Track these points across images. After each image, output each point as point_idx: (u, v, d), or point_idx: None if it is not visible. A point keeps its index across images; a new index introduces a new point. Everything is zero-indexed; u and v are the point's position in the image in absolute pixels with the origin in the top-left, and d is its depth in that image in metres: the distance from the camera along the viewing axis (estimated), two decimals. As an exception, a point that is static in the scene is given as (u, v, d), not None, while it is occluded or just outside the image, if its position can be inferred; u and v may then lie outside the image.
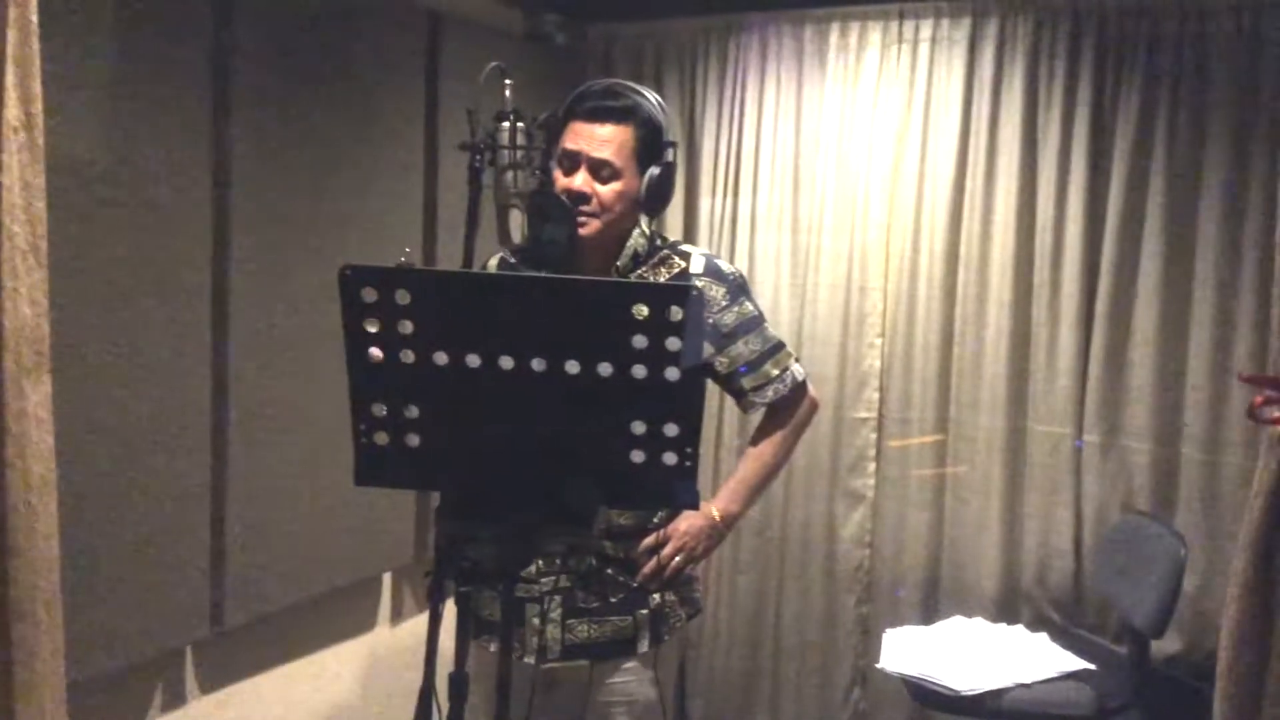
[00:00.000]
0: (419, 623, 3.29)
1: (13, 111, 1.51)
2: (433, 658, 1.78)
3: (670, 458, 1.59)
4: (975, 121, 3.27)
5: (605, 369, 1.55)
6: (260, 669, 2.74)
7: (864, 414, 3.46)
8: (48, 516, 1.63)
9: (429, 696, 1.78)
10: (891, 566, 3.47)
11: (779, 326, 3.49)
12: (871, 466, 3.47)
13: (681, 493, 1.64)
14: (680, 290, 1.52)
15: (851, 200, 3.42)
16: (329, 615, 2.93)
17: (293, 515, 2.65)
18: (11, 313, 1.53)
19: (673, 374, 1.53)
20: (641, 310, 1.50)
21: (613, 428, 1.60)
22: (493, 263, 2.23)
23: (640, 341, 1.52)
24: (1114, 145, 3.12)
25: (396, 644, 3.21)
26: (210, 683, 2.60)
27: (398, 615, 3.23)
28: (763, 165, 3.53)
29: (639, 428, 1.59)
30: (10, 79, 1.51)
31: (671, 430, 1.59)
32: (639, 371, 1.54)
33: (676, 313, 1.50)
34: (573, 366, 1.56)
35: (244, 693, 2.69)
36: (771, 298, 3.51)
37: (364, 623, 3.12)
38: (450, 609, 1.74)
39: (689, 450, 1.59)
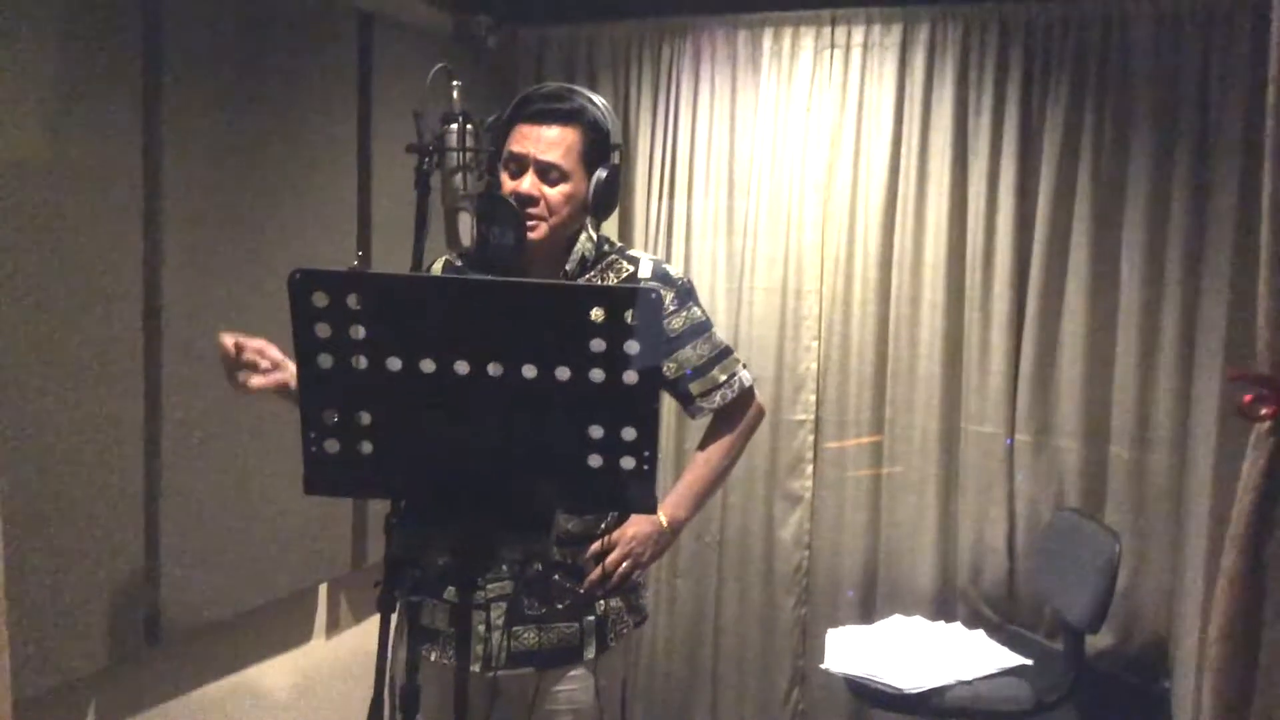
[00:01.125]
0: (355, 634, 3.23)
1: None
2: (384, 669, 1.74)
3: (628, 462, 1.58)
4: (907, 125, 3.32)
5: (563, 373, 1.53)
6: (198, 684, 2.67)
7: (801, 416, 3.48)
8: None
9: (380, 709, 1.74)
10: (830, 567, 3.49)
11: (716, 330, 3.50)
12: (809, 468, 3.50)
13: (639, 497, 1.63)
14: (638, 293, 1.51)
15: (787, 204, 3.45)
16: (266, 628, 2.87)
17: (229, 527, 2.58)
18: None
19: (630, 377, 1.52)
20: (599, 314, 1.49)
21: (570, 433, 1.58)
22: (437, 265, 2.20)
23: (598, 345, 1.51)
24: (1042, 151, 3.19)
25: (333, 656, 3.15)
26: (147, 698, 2.53)
27: (334, 626, 3.17)
28: (698, 169, 3.55)
29: (597, 432, 1.57)
30: None
31: (629, 434, 1.57)
32: (596, 375, 1.53)
33: (634, 316, 1.49)
34: (530, 371, 1.54)
35: (181, 709, 2.62)
36: (709, 302, 3.52)
37: (301, 634, 3.06)
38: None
39: (647, 454, 1.57)
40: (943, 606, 3.36)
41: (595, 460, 1.59)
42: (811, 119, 3.42)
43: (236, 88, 2.55)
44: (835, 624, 3.29)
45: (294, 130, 2.73)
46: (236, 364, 1.86)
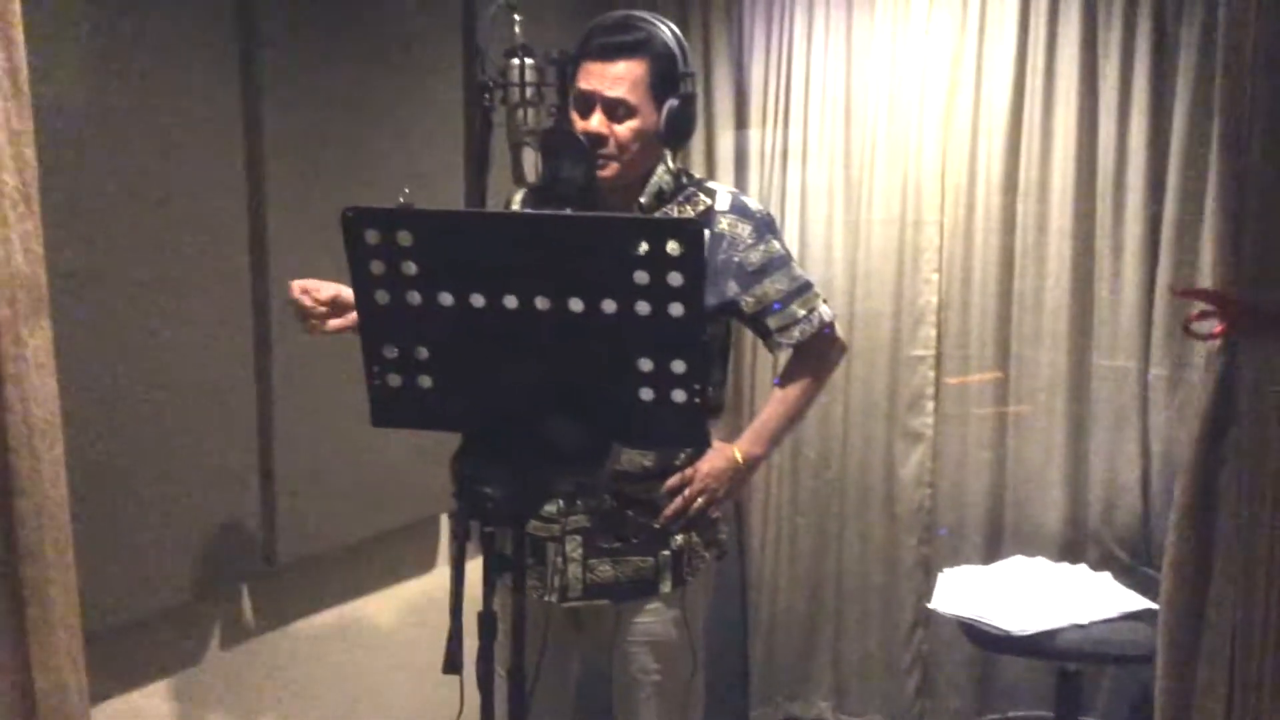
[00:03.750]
0: (477, 564, 3.33)
1: None
2: (459, 597, 1.80)
3: (679, 395, 1.58)
4: (1032, 44, 3.14)
5: (609, 306, 1.53)
6: (315, 610, 2.80)
7: (921, 351, 3.38)
8: (53, 459, 1.68)
9: (459, 634, 1.79)
10: (953, 506, 3.40)
11: (832, 264, 3.44)
12: (930, 405, 3.40)
13: (691, 431, 1.63)
14: (679, 224, 1.50)
15: (905, 132, 3.32)
16: (385, 557, 2.98)
17: (343, 456, 2.67)
18: (4, 261, 1.57)
19: (677, 310, 1.51)
20: (642, 245, 1.48)
21: (620, 366, 1.59)
22: (517, 198, 2.22)
23: (642, 277, 1.50)
24: (1178, 65, 2.97)
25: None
26: (265, 622, 2.67)
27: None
28: (813, 98, 3.44)
29: (646, 365, 1.57)
30: None
31: (679, 367, 1.57)
32: (643, 308, 1.52)
33: (675, 247, 1.47)
34: (576, 304, 1.54)
35: (299, 633, 2.76)
36: (824, 234, 3.44)
37: (424, 564, 3.16)
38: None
39: (697, 387, 1.56)
40: (1072, 548, 3.23)
41: (647, 393, 1.59)
42: (930, 41, 3.27)
43: (335, 41, 2.60)
44: (958, 565, 3.21)
45: (398, 71, 2.77)
46: (307, 309, 1.93)
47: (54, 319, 1.75)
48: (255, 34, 2.43)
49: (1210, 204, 1.68)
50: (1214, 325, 1.65)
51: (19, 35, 1.62)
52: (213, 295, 2.37)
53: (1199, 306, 1.67)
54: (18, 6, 1.62)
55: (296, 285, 1.94)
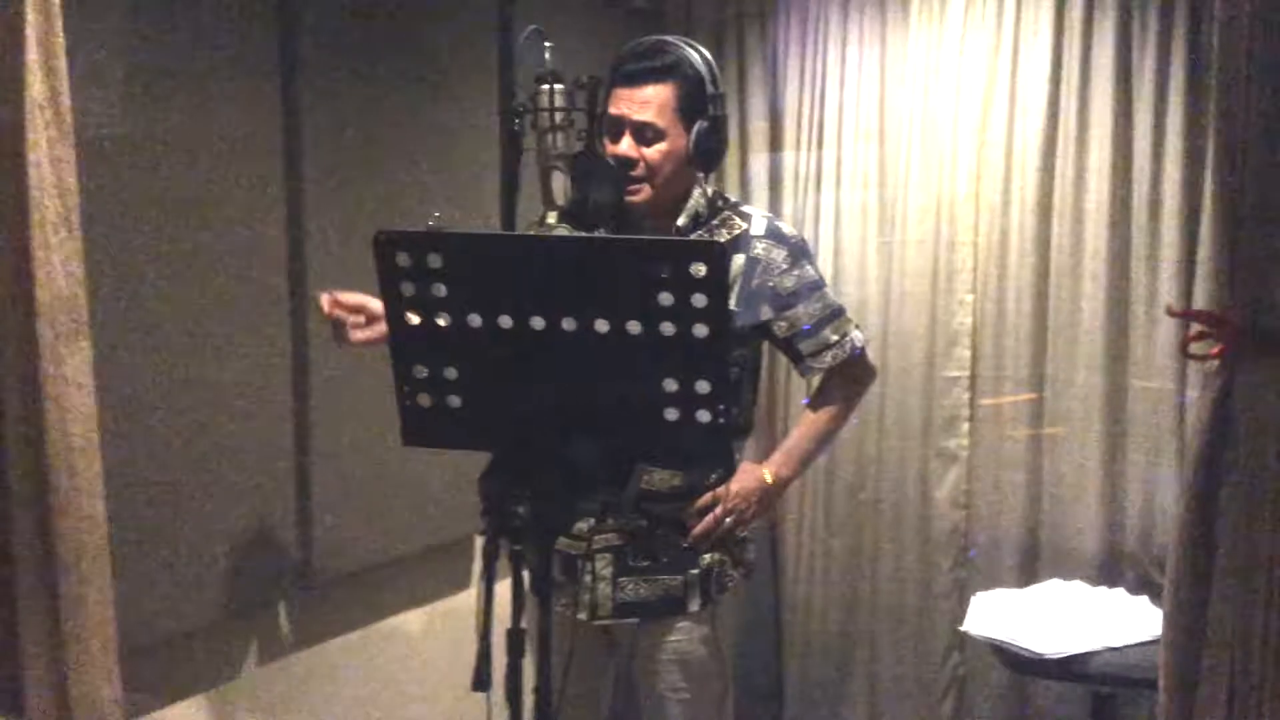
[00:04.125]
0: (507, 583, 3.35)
1: (38, 89, 1.60)
2: (488, 615, 1.81)
3: (704, 415, 1.59)
4: (1066, 66, 3.14)
5: (634, 327, 1.55)
6: (349, 628, 2.83)
7: (955, 372, 3.38)
8: (91, 475, 1.73)
9: (487, 652, 1.81)
10: (988, 528, 3.38)
11: (866, 285, 3.44)
12: (965, 426, 3.39)
13: (715, 450, 1.65)
14: (703, 246, 1.51)
15: (938, 152, 3.33)
16: (418, 576, 3.01)
17: (378, 477, 2.71)
18: (45, 283, 1.63)
19: (701, 330, 1.53)
20: (665, 267, 1.50)
21: (645, 386, 1.60)
22: (550, 220, 2.24)
23: (666, 299, 1.52)
24: (1213, 84, 2.95)
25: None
26: (301, 639, 2.71)
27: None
28: (847, 120, 3.46)
29: (671, 385, 1.59)
30: (33, 57, 1.59)
31: (703, 387, 1.58)
32: (667, 329, 1.54)
33: (700, 269, 1.49)
34: (602, 325, 1.57)
35: (333, 651, 2.79)
36: (858, 255, 3.45)
37: (456, 583, 3.19)
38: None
39: (722, 407, 1.58)
40: (1109, 571, 3.20)
41: (671, 413, 1.61)
42: (964, 63, 3.28)
43: (375, 58, 2.66)
44: (993, 587, 3.19)
45: (434, 97, 2.83)
46: (335, 316, 1.96)
47: (94, 339, 1.80)
48: (295, 61, 2.48)
49: (1206, 224, 1.68)
50: (1212, 346, 1.65)
51: (62, 65, 1.67)
52: (251, 316, 2.42)
53: (1197, 327, 1.68)
54: (61, 37, 1.68)
55: (326, 298, 1.98)
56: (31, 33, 1.62)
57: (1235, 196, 1.60)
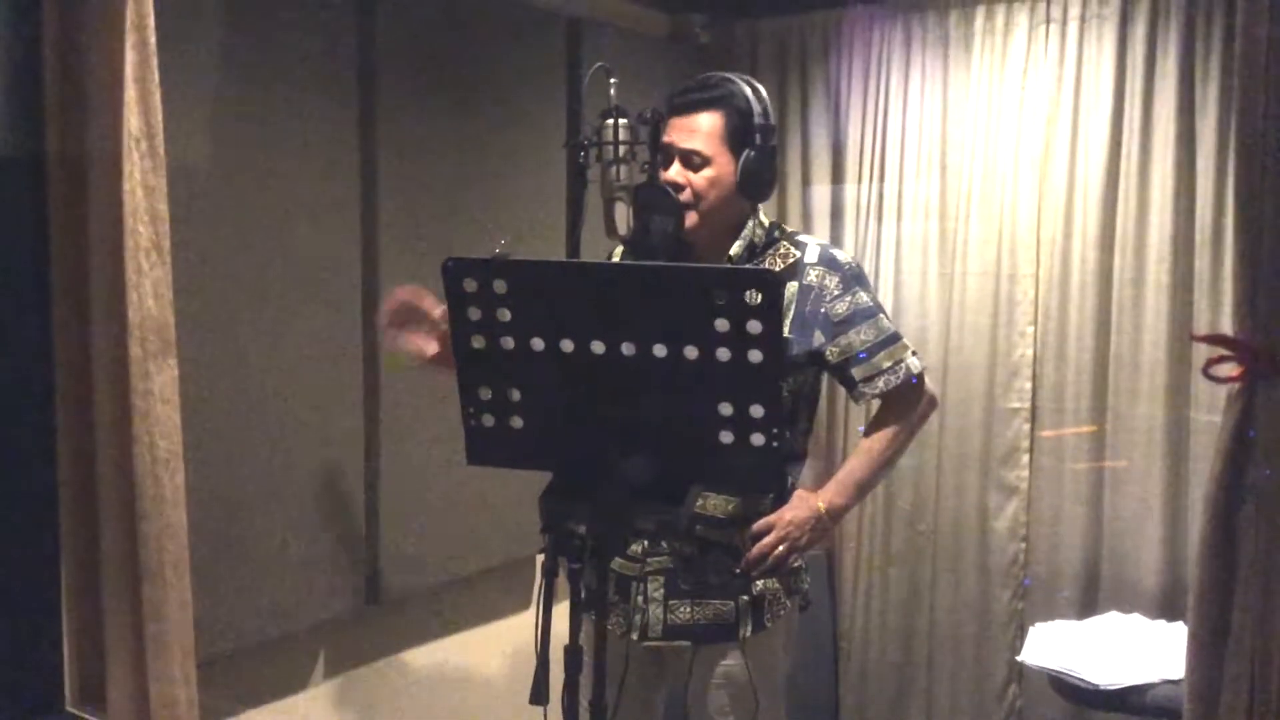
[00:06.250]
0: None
1: (134, 124, 1.71)
2: (546, 630, 1.86)
3: (758, 438, 1.63)
4: (1129, 99, 3.15)
5: (691, 352, 1.61)
6: (416, 643, 2.91)
7: (1016, 404, 3.38)
8: (174, 486, 1.83)
9: (545, 670, 1.86)
10: (1047, 560, 3.37)
11: (926, 316, 3.47)
12: (1025, 458, 3.39)
13: (768, 474, 1.69)
14: (758, 274, 1.56)
15: (1000, 185, 3.35)
16: (484, 594, 3.08)
17: (445, 496, 2.79)
18: (136, 304, 1.73)
19: (755, 356, 1.58)
20: (721, 295, 1.55)
21: (701, 409, 1.65)
22: (617, 253, 2.31)
23: (722, 325, 1.57)
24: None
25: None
26: (368, 654, 2.79)
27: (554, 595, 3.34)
28: (909, 153, 3.50)
29: (726, 409, 1.64)
30: (131, 94, 1.71)
31: (757, 411, 1.63)
32: (723, 354, 1.59)
33: (754, 296, 1.54)
34: (660, 350, 1.62)
35: (400, 666, 2.87)
36: (919, 287, 3.48)
37: (520, 601, 3.25)
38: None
39: (775, 431, 1.62)
40: (1169, 604, 3.17)
41: (726, 436, 1.65)
42: (1026, 96, 3.31)
43: (448, 91, 2.76)
44: (1052, 619, 3.18)
45: (504, 133, 2.92)
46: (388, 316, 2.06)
47: (180, 358, 1.90)
48: (374, 95, 2.59)
49: (1231, 244, 1.72)
50: (1233, 369, 1.68)
51: (157, 99, 1.79)
52: (326, 338, 2.52)
53: (1219, 351, 1.71)
54: (156, 73, 1.79)
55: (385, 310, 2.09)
56: (130, 70, 1.73)
57: (1256, 225, 1.62)
